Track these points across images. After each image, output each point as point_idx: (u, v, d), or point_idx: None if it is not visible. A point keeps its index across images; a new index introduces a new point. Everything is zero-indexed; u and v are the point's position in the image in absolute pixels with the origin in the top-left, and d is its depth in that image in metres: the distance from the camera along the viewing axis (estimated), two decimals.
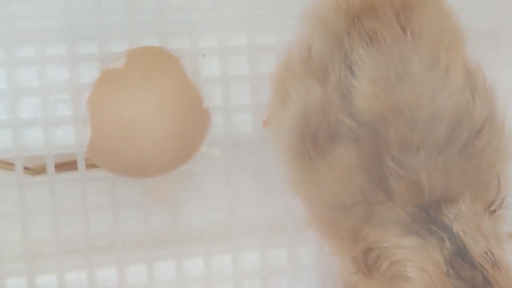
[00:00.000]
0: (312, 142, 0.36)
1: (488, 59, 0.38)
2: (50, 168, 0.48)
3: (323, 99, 0.36)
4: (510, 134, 0.37)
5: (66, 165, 0.49)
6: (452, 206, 0.34)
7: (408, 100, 0.35)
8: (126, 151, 0.46)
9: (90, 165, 0.48)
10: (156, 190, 0.50)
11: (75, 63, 0.47)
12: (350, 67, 0.36)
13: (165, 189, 0.50)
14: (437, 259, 0.33)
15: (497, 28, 0.51)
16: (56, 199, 0.48)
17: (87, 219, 0.49)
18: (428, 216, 0.34)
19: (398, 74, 0.35)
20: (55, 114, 0.47)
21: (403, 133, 0.35)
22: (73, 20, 0.47)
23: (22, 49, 0.47)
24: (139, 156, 0.46)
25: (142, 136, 0.46)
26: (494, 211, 0.36)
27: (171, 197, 0.50)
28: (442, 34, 0.36)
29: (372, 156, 0.35)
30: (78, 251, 0.49)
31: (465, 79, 0.36)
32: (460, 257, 0.33)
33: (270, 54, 0.48)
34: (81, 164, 0.48)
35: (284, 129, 0.38)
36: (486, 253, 0.33)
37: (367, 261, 0.36)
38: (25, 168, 0.48)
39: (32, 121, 0.47)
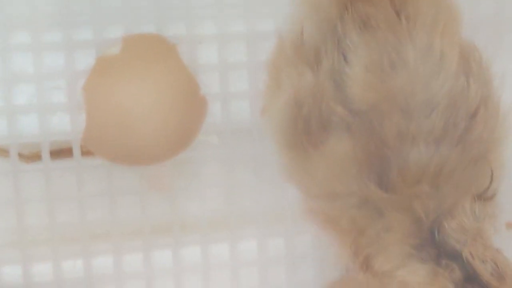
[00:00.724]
0: (305, 130, 0.36)
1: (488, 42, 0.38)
2: (45, 155, 0.47)
3: (315, 86, 0.35)
4: (505, 116, 0.37)
5: (61, 152, 0.48)
6: (454, 217, 0.34)
7: (403, 88, 0.34)
8: (122, 138, 0.45)
9: (86, 153, 0.48)
10: (153, 178, 0.49)
11: (71, 49, 0.46)
12: (343, 54, 0.35)
13: (162, 177, 0.49)
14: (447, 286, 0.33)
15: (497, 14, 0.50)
16: (51, 187, 0.48)
17: (83, 207, 0.48)
18: (432, 238, 0.34)
19: (392, 60, 0.34)
20: (50, 101, 0.47)
21: (398, 123, 0.34)
22: (68, 6, 0.46)
23: (17, 36, 0.46)
24: (135, 144, 0.46)
25: (138, 123, 0.45)
26: (490, 198, 0.35)
27: (168, 185, 0.49)
28: (437, 17, 0.35)
29: (366, 147, 0.34)
30: (74, 239, 0.49)
31: (460, 63, 0.35)
32: (469, 282, 0.33)
33: (268, 41, 0.46)
34: (76, 151, 0.47)
35: (276, 115, 0.38)
36: (493, 269, 0.33)
37: (369, 263, 0.35)
38: (20, 155, 0.48)
39: (27, 108, 0.47)
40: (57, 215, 0.48)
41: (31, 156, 0.48)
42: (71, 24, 0.46)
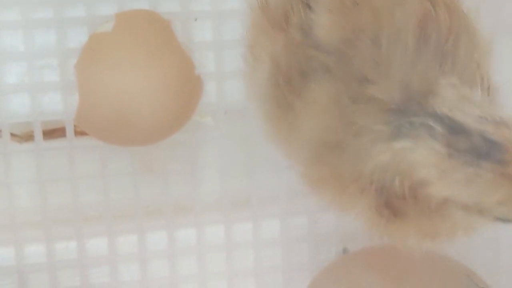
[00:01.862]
0: (286, 84, 0.36)
1: None
2: (38, 135, 0.47)
3: (288, 42, 0.36)
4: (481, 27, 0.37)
5: (54, 132, 0.48)
6: (434, 96, 0.33)
7: (368, 21, 0.35)
8: (115, 118, 0.45)
9: (79, 133, 0.47)
10: (146, 159, 0.49)
11: (62, 27, 0.46)
12: (308, 4, 0.36)
13: (156, 159, 0.49)
14: (433, 147, 0.32)
15: None
16: (44, 167, 0.47)
17: (76, 188, 0.48)
18: (411, 114, 0.33)
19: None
20: (42, 80, 0.46)
21: (370, 50, 0.34)
22: None
23: (7, 13, 0.45)
24: (129, 124, 0.45)
25: (131, 103, 0.44)
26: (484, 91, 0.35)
27: (162, 167, 0.49)
28: None
29: (346, 82, 0.34)
30: (67, 220, 0.48)
31: None
32: (454, 134, 0.32)
33: None
34: (69, 131, 0.47)
35: (258, 84, 0.38)
36: (481, 117, 0.32)
37: (384, 202, 0.34)
38: (12, 135, 0.47)
39: (18, 87, 0.46)
40: (49, 196, 0.48)
41: (24, 136, 0.48)
42: (63, 0, 0.45)
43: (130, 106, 0.44)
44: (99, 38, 0.44)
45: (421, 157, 0.32)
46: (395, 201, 0.34)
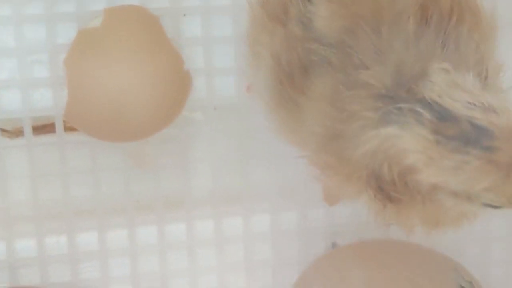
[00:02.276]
0: (289, 81, 0.36)
1: None
2: (28, 130, 0.47)
3: (288, 36, 0.36)
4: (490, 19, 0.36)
5: (44, 128, 0.48)
6: (424, 81, 0.33)
7: (368, 8, 0.34)
8: (104, 114, 0.45)
9: (69, 128, 0.47)
10: (136, 155, 0.49)
11: (52, 22, 0.46)
12: None
13: (146, 154, 0.49)
14: (421, 133, 0.32)
15: None
16: (34, 163, 0.47)
17: (66, 183, 0.48)
18: (400, 100, 0.33)
19: None
20: (32, 75, 0.46)
21: (371, 38, 0.34)
22: None
23: None
24: (118, 120, 0.45)
25: (120, 99, 0.45)
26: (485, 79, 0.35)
27: (152, 162, 0.49)
28: None
29: (345, 72, 0.34)
30: (58, 215, 0.48)
31: None
32: (443, 120, 0.32)
33: None
34: (59, 127, 0.47)
35: (261, 82, 0.38)
36: (470, 103, 0.32)
37: (378, 188, 0.34)
38: (3, 130, 0.47)
39: (9, 83, 0.46)
40: (40, 191, 0.48)
41: (15, 132, 0.48)
42: None
43: (120, 102, 0.45)
44: (88, 34, 0.45)
45: (408, 143, 0.32)
46: (386, 187, 0.34)
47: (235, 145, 0.49)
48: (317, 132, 0.35)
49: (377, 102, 0.33)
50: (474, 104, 0.32)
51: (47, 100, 0.47)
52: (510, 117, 0.31)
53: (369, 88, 0.34)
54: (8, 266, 0.48)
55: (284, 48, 0.36)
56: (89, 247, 0.49)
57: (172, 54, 0.46)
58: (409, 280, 0.47)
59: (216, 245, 0.50)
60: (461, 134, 0.31)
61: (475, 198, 0.32)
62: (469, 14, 0.36)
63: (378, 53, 0.34)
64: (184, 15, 0.47)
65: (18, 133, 0.48)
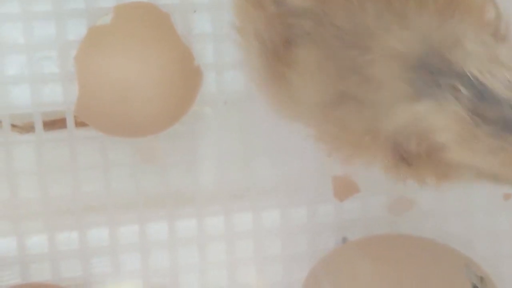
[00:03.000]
0: (274, 58, 0.36)
1: None
2: (38, 126, 0.47)
3: (265, 17, 0.36)
4: None
5: (55, 123, 0.48)
6: (455, 49, 0.31)
7: None
8: (115, 109, 0.45)
9: (80, 124, 0.47)
10: (146, 150, 0.49)
11: (62, 19, 0.46)
12: None
13: (156, 149, 0.49)
14: (458, 112, 0.30)
15: None
16: (45, 158, 0.47)
17: (77, 179, 0.48)
18: (435, 71, 0.31)
19: None
20: (42, 72, 0.46)
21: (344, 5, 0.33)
22: None
23: (7, 5, 0.45)
24: (128, 115, 0.45)
25: (130, 94, 0.45)
26: (503, 37, 0.33)
27: (162, 158, 0.49)
28: None
29: (333, 41, 0.34)
30: (68, 211, 0.48)
31: None
32: (482, 100, 0.30)
33: None
34: (70, 122, 0.47)
35: (252, 65, 0.38)
36: (510, 81, 0.30)
37: (399, 156, 0.34)
38: (13, 126, 0.47)
39: (19, 79, 0.46)
40: (50, 187, 0.48)
41: (25, 127, 0.48)
42: None
43: (130, 98, 0.45)
44: (98, 30, 0.44)
45: (444, 121, 0.31)
46: (409, 157, 0.33)
47: (245, 140, 0.49)
48: (313, 104, 0.35)
49: (408, 72, 0.32)
50: None
51: (58, 96, 0.47)
52: None
53: (396, 55, 0.32)
54: (20, 262, 0.48)
55: (265, 29, 0.36)
56: (99, 243, 0.49)
57: (182, 50, 0.46)
58: (419, 275, 0.47)
59: (226, 241, 0.50)
60: (501, 118, 0.30)
61: (504, 181, 0.32)
62: None
63: (353, 18, 0.33)
64: (195, 11, 0.47)
65: (28, 128, 0.48)
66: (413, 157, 0.33)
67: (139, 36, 0.45)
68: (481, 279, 0.46)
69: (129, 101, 0.45)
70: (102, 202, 0.49)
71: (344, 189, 0.51)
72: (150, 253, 0.50)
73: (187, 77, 0.46)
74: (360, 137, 0.34)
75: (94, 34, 0.44)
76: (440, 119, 0.31)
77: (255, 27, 0.37)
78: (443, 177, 0.34)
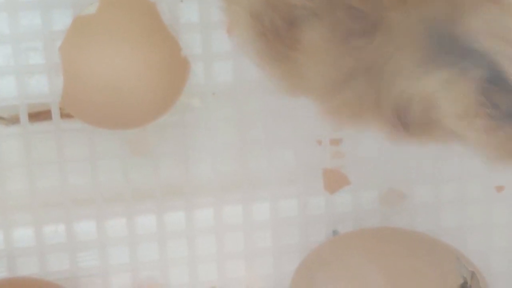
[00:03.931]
0: (275, 38, 0.34)
1: None
2: (24, 118, 0.46)
3: None
4: None
5: (40, 115, 0.47)
6: (470, 17, 0.30)
7: None
8: (101, 101, 0.44)
9: (66, 115, 0.47)
10: (134, 142, 0.48)
11: (48, 9, 0.45)
12: None
13: (144, 141, 0.48)
14: (466, 91, 0.30)
15: None
16: (31, 151, 0.47)
17: (64, 171, 0.47)
18: (447, 42, 0.31)
19: None
20: (27, 63, 0.46)
21: None
22: None
23: None
24: (115, 107, 0.45)
25: (117, 85, 0.44)
26: None
27: (150, 149, 0.48)
28: None
29: (344, 21, 0.32)
30: (56, 203, 0.48)
31: None
32: (493, 84, 0.30)
33: None
34: (55, 114, 0.46)
35: (243, 39, 0.36)
36: None
37: (401, 124, 0.33)
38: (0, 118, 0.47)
39: (4, 70, 0.46)
40: (37, 179, 0.47)
41: (10, 119, 0.47)
42: None
43: (116, 89, 0.44)
44: (84, 20, 0.44)
45: (451, 97, 0.31)
46: (411, 125, 0.33)
47: (234, 131, 0.49)
48: (322, 81, 0.34)
49: (421, 47, 0.31)
50: None
51: (43, 87, 0.46)
52: None
53: (409, 29, 0.31)
54: (6, 255, 0.47)
55: (264, 7, 0.34)
56: (87, 236, 0.48)
57: (169, 40, 0.45)
58: (410, 268, 0.47)
59: (216, 233, 0.50)
60: (507, 106, 0.30)
61: (489, 158, 0.32)
62: None
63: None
64: (181, 1, 0.46)
65: (14, 120, 0.47)
66: (414, 124, 0.33)
67: (125, 26, 0.44)
68: (472, 274, 0.46)
69: (116, 92, 0.44)
70: (90, 195, 0.48)
71: (335, 181, 0.50)
72: (139, 246, 0.49)
73: (174, 68, 0.45)
74: (366, 106, 0.34)
75: (80, 24, 0.44)
76: (447, 94, 0.31)
77: (251, 9, 0.35)
78: (436, 139, 0.34)
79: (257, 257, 0.50)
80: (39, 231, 0.48)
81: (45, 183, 0.48)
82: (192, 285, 0.50)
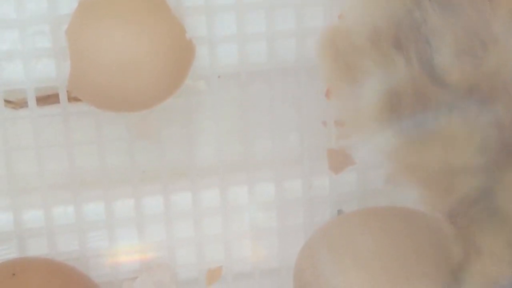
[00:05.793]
0: (402, 109, 0.34)
1: None
2: (32, 102, 0.47)
3: (409, 75, 0.33)
4: None
5: (48, 98, 0.48)
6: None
7: (499, 67, 0.32)
8: (108, 84, 0.45)
9: (73, 99, 0.47)
10: (140, 125, 0.49)
11: None
12: (426, 40, 0.33)
13: (151, 124, 0.49)
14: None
15: None
16: (39, 134, 0.48)
17: (72, 154, 0.48)
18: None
19: (482, 40, 0.32)
20: (34, 47, 0.46)
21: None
22: None
23: None
24: (121, 90, 0.45)
25: (123, 68, 0.44)
26: None
27: (156, 132, 0.49)
28: None
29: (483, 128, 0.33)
30: (64, 186, 0.49)
31: None
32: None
33: None
34: (63, 97, 0.47)
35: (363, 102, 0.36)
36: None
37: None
38: (7, 101, 0.47)
39: (11, 54, 0.46)
40: (46, 162, 0.48)
41: (19, 102, 0.48)
42: None
43: (122, 72, 0.44)
44: (90, 4, 0.44)
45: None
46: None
47: (239, 113, 0.49)
48: None
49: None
50: None
51: (51, 71, 0.46)
52: None
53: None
54: (16, 236, 0.48)
55: (404, 85, 0.34)
56: (96, 217, 0.49)
57: (174, 23, 0.45)
58: (415, 248, 0.47)
59: (221, 214, 0.50)
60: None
61: None
62: None
63: None
64: None
65: (22, 103, 0.48)
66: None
67: (130, 9, 0.44)
68: None
69: (122, 75, 0.44)
70: (98, 177, 0.49)
71: (339, 161, 0.50)
72: (146, 227, 0.50)
73: (180, 51, 0.46)
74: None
75: (85, 7, 0.44)
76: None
77: (387, 77, 0.34)
78: None
79: (263, 237, 0.51)
80: (49, 212, 0.48)
81: (54, 166, 0.48)
82: (199, 264, 0.51)
